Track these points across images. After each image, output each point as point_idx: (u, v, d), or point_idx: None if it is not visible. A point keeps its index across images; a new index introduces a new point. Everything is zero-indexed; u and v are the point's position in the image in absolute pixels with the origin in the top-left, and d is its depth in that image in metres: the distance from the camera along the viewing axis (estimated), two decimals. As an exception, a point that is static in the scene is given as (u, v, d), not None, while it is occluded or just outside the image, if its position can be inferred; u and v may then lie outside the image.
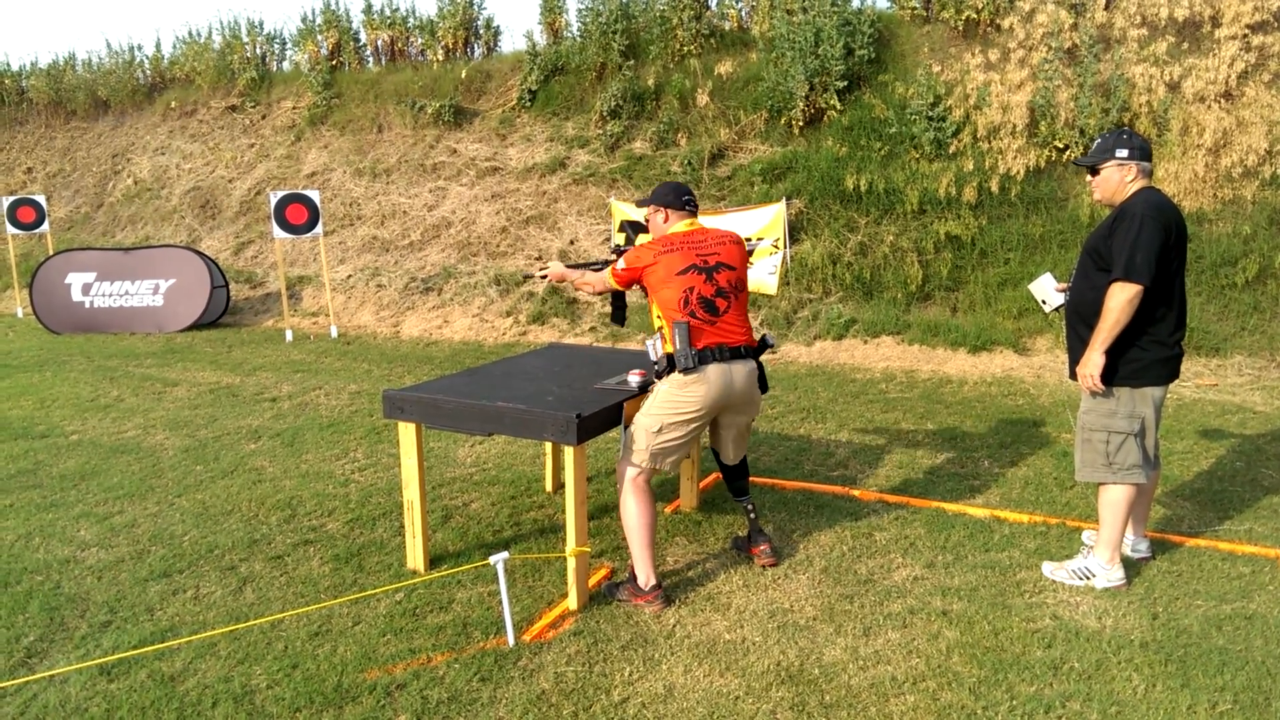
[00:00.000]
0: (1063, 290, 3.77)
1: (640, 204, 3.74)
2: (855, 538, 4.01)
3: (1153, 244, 3.20)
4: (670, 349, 3.39)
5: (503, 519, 4.34)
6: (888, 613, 3.32)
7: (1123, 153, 3.36)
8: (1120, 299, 3.24)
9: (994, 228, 8.44)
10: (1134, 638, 3.11)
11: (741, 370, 3.47)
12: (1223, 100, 8.25)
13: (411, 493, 3.67)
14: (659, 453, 3.40)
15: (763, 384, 3.64)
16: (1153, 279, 3.21)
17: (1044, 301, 3.83)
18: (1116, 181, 3.39)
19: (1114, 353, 3.35)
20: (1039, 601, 3.39)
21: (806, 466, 5.04)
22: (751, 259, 8.96)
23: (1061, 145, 8.46)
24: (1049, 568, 3.62)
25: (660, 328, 3.46)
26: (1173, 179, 8.01)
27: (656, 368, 3.48)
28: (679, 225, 3.54)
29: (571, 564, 3.36)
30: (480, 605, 3.42)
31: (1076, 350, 3.48)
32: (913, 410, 6.22)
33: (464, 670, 2.96)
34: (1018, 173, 8.48)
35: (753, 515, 3.81)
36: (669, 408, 3.39)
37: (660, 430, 3.38)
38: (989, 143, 8.82)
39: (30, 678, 2.94)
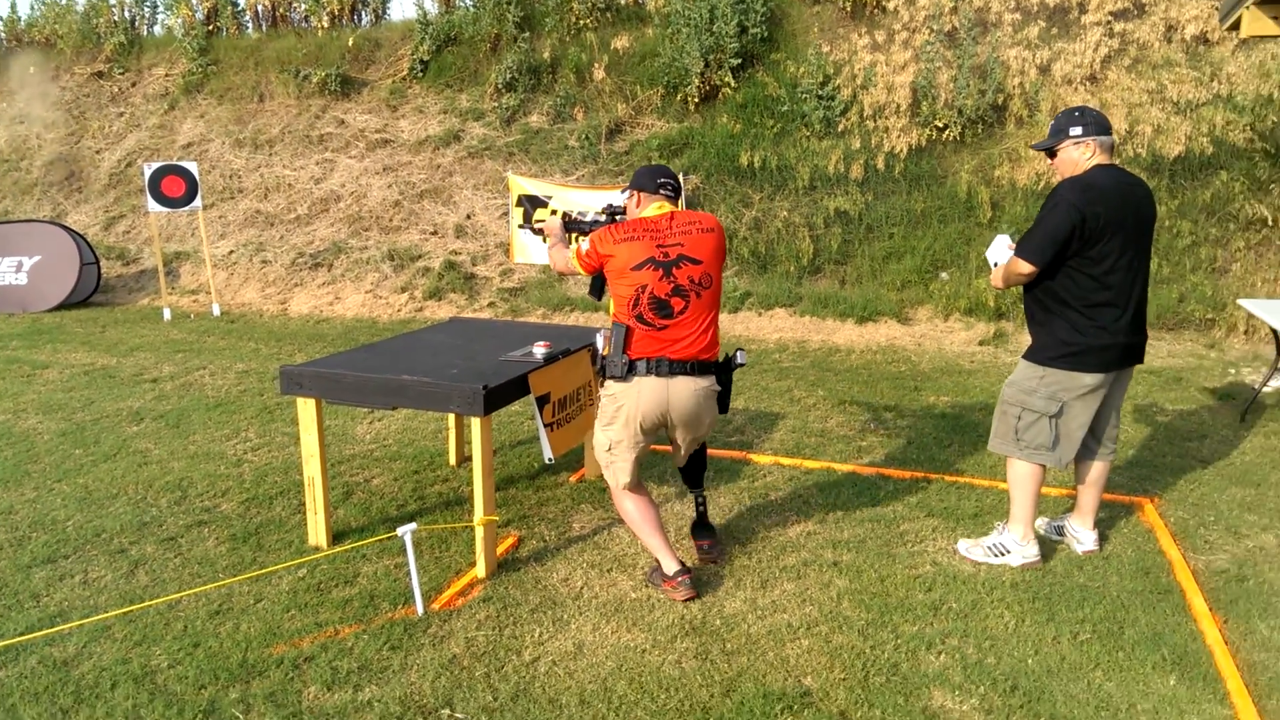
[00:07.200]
0: (1013, 249, 3.48)
1: (623, 190, 3.45)
2: (752, 498, 4.19)
3: (1057, 230, 3.15)
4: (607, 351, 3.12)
5: (406, 493, 4.32)
6: (783, 566, 3.50)
7: (1077, 130, 3.24)
8: (1010, 270, 3.31)
9: (879, 203, 8.80)
10: (1005, 579, 3.38)
11: (686, 387, 3.08)
12: (1088, 83, 8.80)
13: (312, 469, 3.62)
14: (617, 470, 3.24)
15: (723, 405, 3.28)
16: (1045, 263, 3.19)
17: (995, 264, 3.57)
18: (1076, 159, 3.26)
19: (1051, 333, 3.32)
20: (920, 550, 3.63)
21: (706, 434, 5.19)
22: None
23: (941, 125, 8.86)
24: (964, 545, 3.59)
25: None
26: (1040, 157, 8.51)
27: (597, 366, 3.25)
28: (649, 209, 3.20)
29: (479, 533, 3.39)
30: (387, 578, 3.42)
31: (1031, 329, 3.45)
32: (804, 378, 6.47)
33: (373, 640, 2.97)
34: (901, 151, 8.85)
35: (701, 509, 3.63)
36: (606, 419, 3.22)
37: (610, 449, 3.22)
38: (875, 121, 9.16)
39: (-96, 671, 2.79)
